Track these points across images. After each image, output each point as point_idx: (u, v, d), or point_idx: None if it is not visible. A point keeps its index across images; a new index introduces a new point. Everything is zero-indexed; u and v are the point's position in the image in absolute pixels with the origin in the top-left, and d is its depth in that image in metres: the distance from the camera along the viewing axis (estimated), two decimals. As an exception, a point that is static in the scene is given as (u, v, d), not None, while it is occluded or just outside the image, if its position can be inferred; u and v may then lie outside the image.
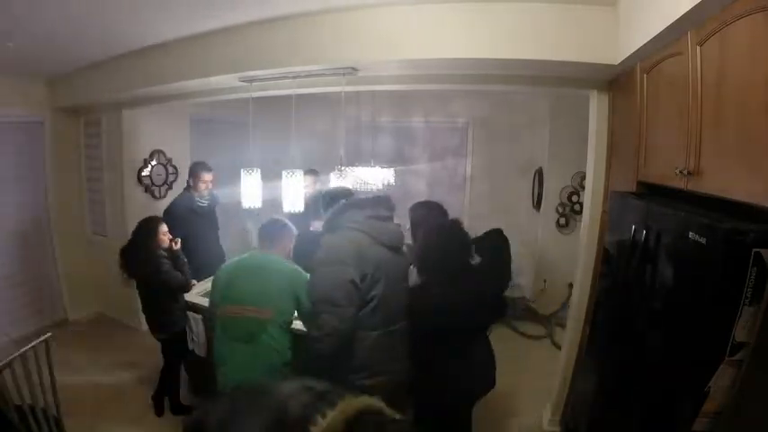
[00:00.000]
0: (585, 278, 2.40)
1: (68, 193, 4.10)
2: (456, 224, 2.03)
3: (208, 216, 3.31)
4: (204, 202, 3.23)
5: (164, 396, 2.74)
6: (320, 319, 1.67)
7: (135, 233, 2.60)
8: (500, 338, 2.63)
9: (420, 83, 2.61)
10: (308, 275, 1.88)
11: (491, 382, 2.02)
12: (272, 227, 2.10)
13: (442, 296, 1.84)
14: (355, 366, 1.75)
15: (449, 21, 2.05)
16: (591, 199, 2.39)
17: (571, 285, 2.88)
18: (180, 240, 2.70)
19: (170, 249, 2.62)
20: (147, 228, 2.57)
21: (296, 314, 1.94)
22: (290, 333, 1.93)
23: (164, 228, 2.61)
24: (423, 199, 2.61)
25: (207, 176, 3.20)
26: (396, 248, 1.89)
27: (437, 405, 1.92)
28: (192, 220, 3.11)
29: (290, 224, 2.14)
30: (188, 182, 3.25)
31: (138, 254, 2.50)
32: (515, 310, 4.09)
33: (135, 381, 3.11)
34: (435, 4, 2.05)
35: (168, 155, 4.17)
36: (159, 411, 2.72)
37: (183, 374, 2.81)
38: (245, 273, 1.96)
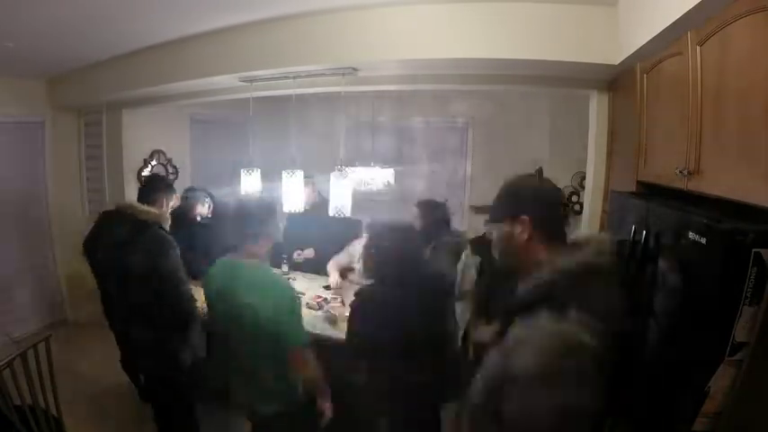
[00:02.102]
0: (585, 278, 2.40)
1: (68, 193, 4.10)
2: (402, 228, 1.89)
3: None
4: None
5: None
6: None
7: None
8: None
9: (420, 83, 2.61)
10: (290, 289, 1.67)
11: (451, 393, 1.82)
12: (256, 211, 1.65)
13: (383, 300, 1.68)
14: None
15: (449, 21, 2.05)
16: (591, 199, 2.39)
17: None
18: None
19: None
20: None
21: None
22: None
23: None
24: (423, 199, 2.62)
25: None
26: None
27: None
28: None
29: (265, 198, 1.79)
30: None
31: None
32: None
33: (135, 381, 3.10)
34: (435, 5, 2.05)
35: (168, 155, 4.18)
36: None
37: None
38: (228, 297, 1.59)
